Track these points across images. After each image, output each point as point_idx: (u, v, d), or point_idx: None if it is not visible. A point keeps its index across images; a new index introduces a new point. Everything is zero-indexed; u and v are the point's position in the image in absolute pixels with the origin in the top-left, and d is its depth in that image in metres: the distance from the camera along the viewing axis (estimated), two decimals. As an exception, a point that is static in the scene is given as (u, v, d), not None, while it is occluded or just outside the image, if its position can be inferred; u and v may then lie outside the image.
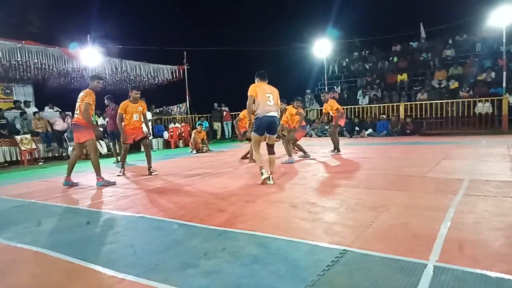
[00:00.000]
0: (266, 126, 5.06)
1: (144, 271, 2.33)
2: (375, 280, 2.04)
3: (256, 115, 5.08)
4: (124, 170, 6.78)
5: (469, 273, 2.06)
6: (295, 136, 7.78)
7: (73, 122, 5.73)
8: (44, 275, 2.39)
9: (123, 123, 6.47)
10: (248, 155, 7.98)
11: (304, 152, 7.99)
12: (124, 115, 6.44)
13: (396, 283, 2.00)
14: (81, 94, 5.57)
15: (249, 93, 5.09)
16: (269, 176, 5.06)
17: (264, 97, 5.04)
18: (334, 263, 2.28)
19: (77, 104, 5.55)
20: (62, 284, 2.25)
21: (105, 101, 9.29)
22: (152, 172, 6.53)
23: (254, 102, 5.07)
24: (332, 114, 8.72)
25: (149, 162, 6.63)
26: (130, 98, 6.51)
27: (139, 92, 6.61)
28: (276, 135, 5.28)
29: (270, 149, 5.28)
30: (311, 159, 7.68)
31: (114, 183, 5.73)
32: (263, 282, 2.08)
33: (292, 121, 7.85)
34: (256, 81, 5.32)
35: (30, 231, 3.38)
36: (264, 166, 5.10)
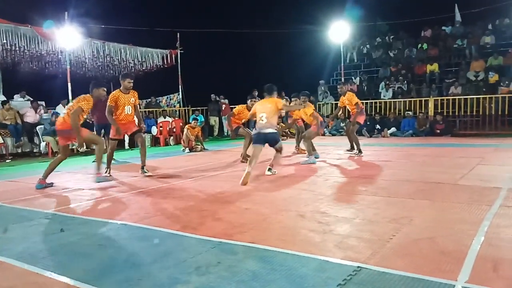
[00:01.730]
0: (263, 141, 6.14)
1: (126, 286, 2.35)
2: (393, 302, 2.05)
3: (254, 129, 6.37)
4: (110, 170, 6.79)
5: (504, 297, 2.07)
6: (314, 131, 7.97)
7: (58, 129, 5.80)
8: (10, 289, 2.42)
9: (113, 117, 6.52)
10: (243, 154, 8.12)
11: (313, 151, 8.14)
12: (113, 107, 6.44)
13: (418, 306, 2.01)
14: (79, 97, 5.72)
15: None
16: (269, 168, 6.28)
17: (258, 117, 6.20)
18: (347, 281, 2.29)
19: (69, 105, 5.70)
20: (30, 300, 2.28)
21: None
22: (145, 172, 6.59)
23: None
24: (349, 109, 8.78)
25: (143, 161, 6.71)
26: (121, 88, 6.55)
27: (132, 81, 6.64)
28: (278, 143, 6.22)
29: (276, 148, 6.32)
30: (321, 160, 7.70)
31: (111, 179, 6.02)
32: (263, 302, 2.10)
33: (308, 120, 8.14)
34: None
35: (-5, 238, 3.41)
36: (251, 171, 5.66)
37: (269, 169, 6.27)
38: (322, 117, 8.53)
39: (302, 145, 8.60)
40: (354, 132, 8.62)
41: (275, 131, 6.21)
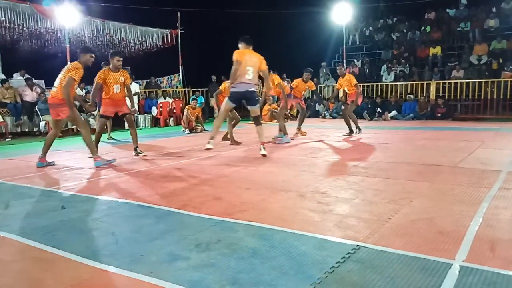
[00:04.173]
0: (241, 98, 6.05)
1: (127, 262, 2.38)
2: (391, 279, 2.08)
3: (234, 86, 5.99)
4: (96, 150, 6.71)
5: (500, 275, 2.10)
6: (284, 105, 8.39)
7: (49, 102, 5.67)
8: (12, 263, 2.45)
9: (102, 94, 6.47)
10: (228, 135, 8.28)
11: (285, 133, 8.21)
12: (99, 85, 6.41)
13: (416, 283, 2.04)
14: (67, 66, 5.57)
15: (235, 58, 5.84)
16: (261, 147, 6.05)
17: (243, 69, 5.82)
18: (345, 259, 2.32)
19: (59, 77, 5.52)
20: (32, 273, 2.31)
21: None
22: (139, 153, 6.56)
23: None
24: (348, 91, 8.91)
25: (134, 141, 6.65)
26: (110, 66, 6.46)
27: (121, 59, 6.54)
28: (257, 105, 6.32)
29: (256, 120, 6.32)
30: (318, 140, 7.76)
31: (113, 161, 5.81)
32: (263, 278, 2.13)
33: (276, 93, 8.63)
34: (240, 47, 6.06)
35: (-3, 215, 3.44)
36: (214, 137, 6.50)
37: (262, 149, 6.05)
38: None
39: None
40: (351, 112, 8.95)
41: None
